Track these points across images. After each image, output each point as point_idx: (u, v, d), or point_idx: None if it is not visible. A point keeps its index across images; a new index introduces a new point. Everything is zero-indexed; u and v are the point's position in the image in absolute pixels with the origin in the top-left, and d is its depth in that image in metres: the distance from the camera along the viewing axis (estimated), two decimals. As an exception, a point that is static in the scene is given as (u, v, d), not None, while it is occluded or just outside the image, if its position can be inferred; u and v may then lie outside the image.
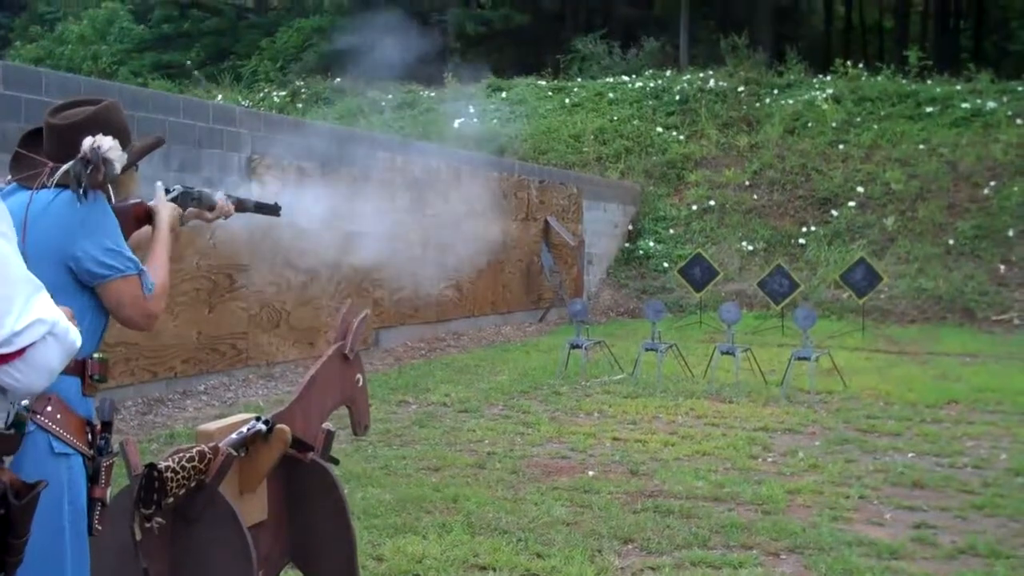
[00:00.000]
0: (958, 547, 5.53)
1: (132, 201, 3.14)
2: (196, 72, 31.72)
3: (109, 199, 2.94)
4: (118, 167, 2.84)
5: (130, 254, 2.87)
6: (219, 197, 3.46)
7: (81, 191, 2.75)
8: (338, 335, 4.05)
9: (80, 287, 2.81)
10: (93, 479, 2.76)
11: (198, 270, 10.37)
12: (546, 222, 18.15)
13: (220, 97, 26.30)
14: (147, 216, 3.16)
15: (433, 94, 27.55)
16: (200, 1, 37.52)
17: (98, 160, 2.77)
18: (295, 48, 34.40)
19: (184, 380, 10.24)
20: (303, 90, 28.82)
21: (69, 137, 2.84)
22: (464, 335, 15.58)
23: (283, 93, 28.88)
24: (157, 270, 3.01)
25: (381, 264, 13.52)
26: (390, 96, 27.53)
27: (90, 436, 2.77)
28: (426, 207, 14.44)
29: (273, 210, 3.86)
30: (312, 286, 12.24)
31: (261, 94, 28.92)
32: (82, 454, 2.73)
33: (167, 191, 3.28)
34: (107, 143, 2.82)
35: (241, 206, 3.66)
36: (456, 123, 25.11)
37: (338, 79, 29.00)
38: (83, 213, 2.78)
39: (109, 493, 2.81)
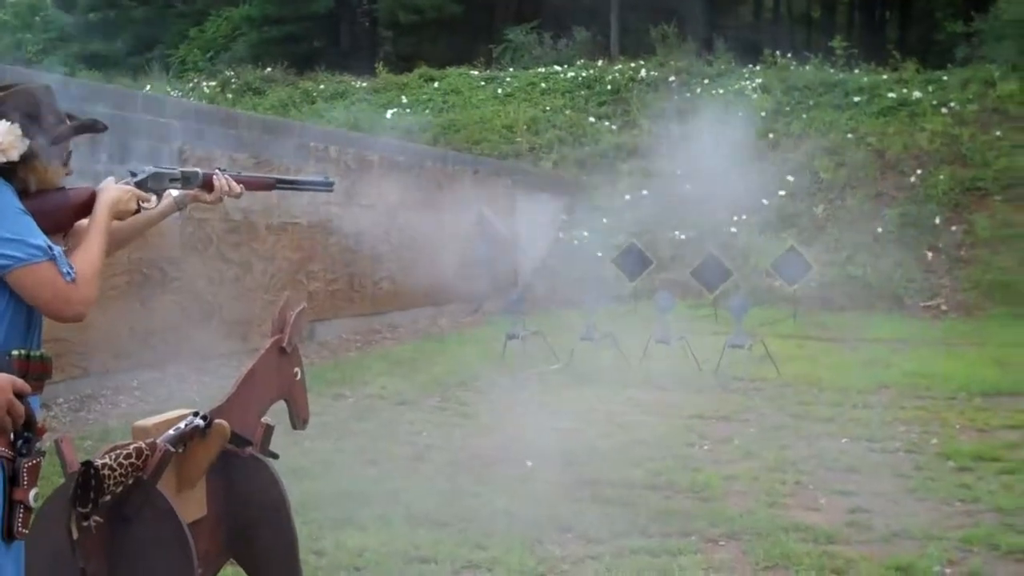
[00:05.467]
0: (892, 531, 5.63)
1: (74, 187, 3.05)
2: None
3: (25, 190, 2.85)
4: (13, 154, 2.75)
5: (37, 241, 2.73)
6: (216, 175, 3.35)
7: None
8: (275, 328, 4.01)
9: None
10: (13, 481, 2.68)
11: (129, 263, 10.22)
12: (480, 213, 18.13)
13: (148, 88, 25.93)
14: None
15: (365, 84, 27.40)
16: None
17: None
18: (224, 38, 34.00)
19: (116, 375, 10.10)
20: (233, 80, 28.50)
21: None
22: (400, 327, 15.53)
23: (213, 83, 28.54)
24: (84, 255, 2.90)
25: (312, 255, 13.44)
26: (322, 86, 27.34)
27: (12, 436, 2.68)
28: (360, 198, 14.37)
29: (325, 186, 3.74)
30: (245, 279, 12.13)
31: (191, 84, 28.56)
32: None
33: (132, 174, 3.20)
34: None
35: (280, 184, 3.57)
36: (389, 113, 24.99)
37: (268, 69, 28.74)
38: None
39: (33, 495, 2.72)
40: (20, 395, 2.45)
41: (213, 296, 11.49)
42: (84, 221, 3.05)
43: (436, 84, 26.96)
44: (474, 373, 11.18)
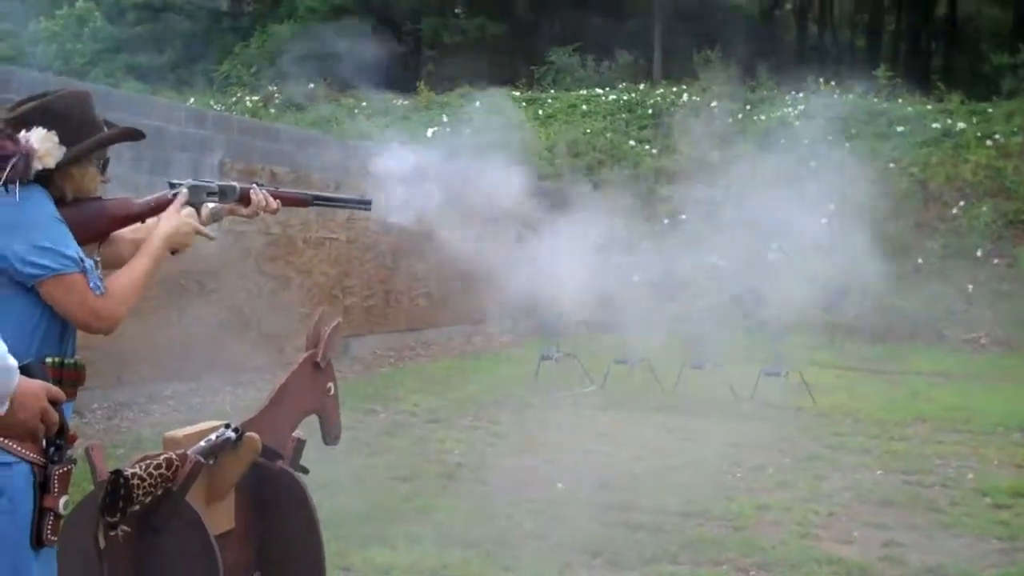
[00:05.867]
0: (927, 566, 5.53)
1: (112, 198, 3.05)
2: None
3: (63, 198, 2.84)
4: (50, 161, 2.74)
5: (70, 252, 2.72)
6: (254, 190, 3.33)
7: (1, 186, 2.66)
8: (310, 343, 4.00)
9: (19, 288, 2.71)
10: (44, 487, 2.66)
11: (167, 274, 10.27)
12: (517, 233, 18.10)
13: (192, 101, 26.13)
14: (136, 216, 3.07)
15: (407, 102, 27.49)
16: (174, 3, 37.25)
17: (17, 154, 2.68)
18: (269, 53, 34.22)
19: (151, 385, 10.14)
20: (276, 95, 28.67)
21: (13, 132, 2.76)
22: (434, 344, 15.53)
23: (256, 98, 28.72)
24: (126, 273, 2.91)
25: (349, 271, 13.45)
26: (364, 103, 27.46)
27: (44, 443, 2.67)
28: (398, 215, 14.38)
29: (363, 204, 3.72)
30: (282, 293, 12.16)
31: (234, 98, 28.75)
32: (31, 462, 2.63)
33: (171, 185, 3.19)
34: (35, 135, 2.72)
35: (318, 201, 3.55)
36: (430, 132, 25.03)
37: (312, 85, 28.89)
38: (12, 211, 2.67)
39: (64, 502, 2.70)
40: (55, 402, 2.46)
41: (250, 309, 11.53)
42: (121, 231, 3.06)
43: (477, 103, 27.00)
44: (507, 393, 11.15)
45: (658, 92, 26.46)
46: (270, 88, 29.41)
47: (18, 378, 2.14)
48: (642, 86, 27.36)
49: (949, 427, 9.93)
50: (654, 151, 24.04)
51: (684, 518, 6.40)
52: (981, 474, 7.87)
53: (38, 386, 2.31)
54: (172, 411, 9.64)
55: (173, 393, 10.26)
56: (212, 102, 27.11)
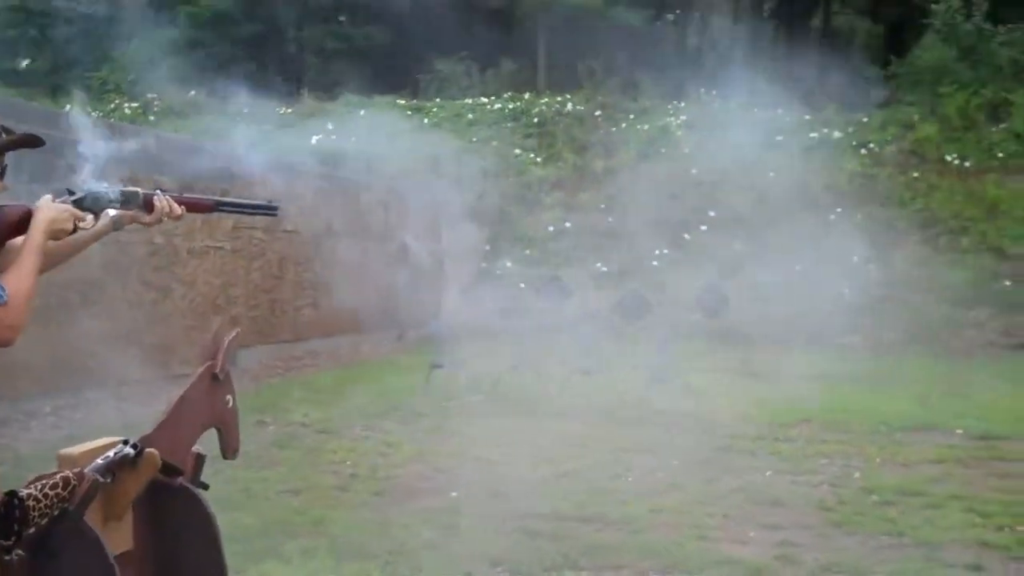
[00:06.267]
0: (821, 564, 5.65)
1: (8, 204, 2.94)
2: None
3: None
4: None
5: None
6: (157, 196, 3.24)
7: None
8: (208, 354, 3.91)
9: None
10: None
11: (47, 284, 9.97)
12: (404, 241, 18.06)
13: (68, 107, 25.46)
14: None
15: (290, 110, 27.22)
16: (50, 7, 36.27)
17: None
18: (148, 60, 33.53)
19: (29, 400, 9.82)
20: (156, 103, 28.13)
21: None
22: (321, 354, 15.36)
23: (135, 105, 28.14)
24: (16, 276, 2.80)
25: (234, 280, 13.25)
26: (246, 111, 27.09)
27: None
28: (284, 224, 14.23)
29: (268, 210, 3.63)
30: (165, 303, 11.91)
31: (111, 105, 28.13)
32: None
33: (70, 192, 3.09)
34: None
35: (222, 207, 3.45)
36: (314, 139, 24.81)
37: (192, 92, 28.42)
38: None
39: None
40: None
41: (132, 320, 11.26)
42: (17, 239, 2.96)
43: (362, 112, 26.85)
44: (398, 402, 11.08)
45: (543, 101, 26.66)
46: (149, 96, 28.84)
47: None
48: (527, 95, 27.53)
49: (832, 428, 10.14)
50: (539, 160, 24.20)
51: (582, 523, 6.43)
52: (866, 473, 8.08)
53: None
54: (52, 427, 9.36)
55: (53, 408, 9.96)
56: (90, 109, 26.47)
